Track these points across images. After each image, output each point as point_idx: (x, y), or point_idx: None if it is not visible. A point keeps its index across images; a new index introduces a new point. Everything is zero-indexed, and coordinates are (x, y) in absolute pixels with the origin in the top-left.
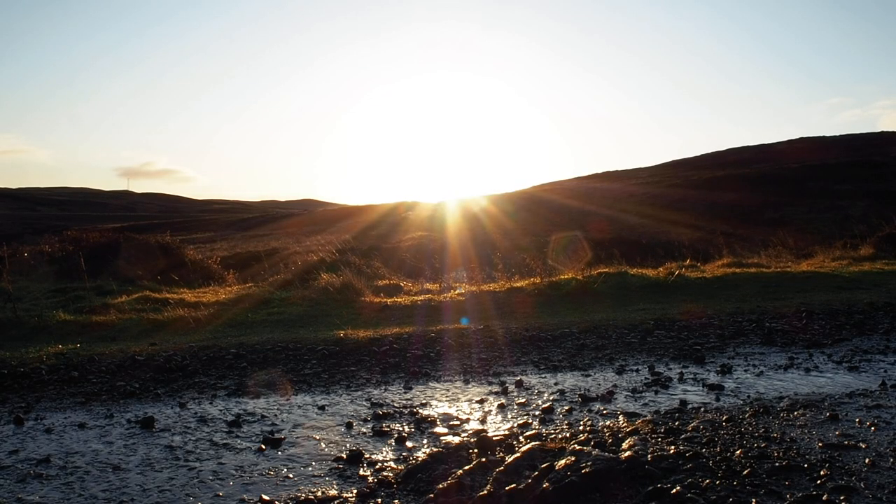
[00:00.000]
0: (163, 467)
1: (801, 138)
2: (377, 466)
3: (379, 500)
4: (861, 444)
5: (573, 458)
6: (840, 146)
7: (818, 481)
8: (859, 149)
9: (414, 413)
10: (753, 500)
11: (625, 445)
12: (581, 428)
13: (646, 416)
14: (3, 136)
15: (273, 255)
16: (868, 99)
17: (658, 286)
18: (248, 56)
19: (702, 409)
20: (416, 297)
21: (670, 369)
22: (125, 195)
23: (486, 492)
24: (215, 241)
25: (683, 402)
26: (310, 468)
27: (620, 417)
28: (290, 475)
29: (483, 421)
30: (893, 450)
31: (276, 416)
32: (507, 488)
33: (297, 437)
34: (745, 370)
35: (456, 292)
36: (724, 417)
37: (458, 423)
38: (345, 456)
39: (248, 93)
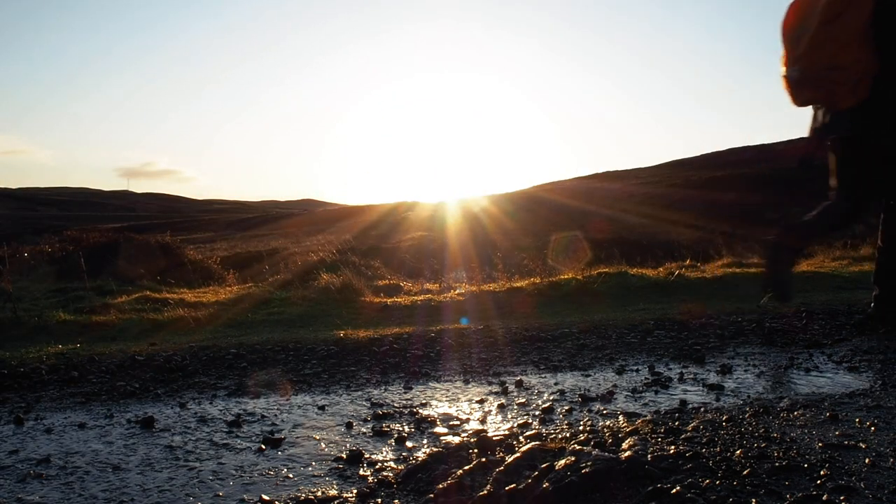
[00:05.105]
0: (163, 467)
1: (802, 138)
2: (377, 466)
3: (379, 500)
4: (861, 444)
5: (573, 458)
6: None
7: (818, 481)
8: None
9: (414, 413)
10: (753, 499)
11: (625, 445)
12: (581, 428)
13: (646, 416)
14: (4, 136)
15: (273, 255)
16: None
17: (658, 286)
18: (248, 55)
19: (702, 409)
20: (416, 297)
21: (670, 369)
22: (125, 195)
23: (486, 492)
24: (215, 241)
25: (683, 402)
26: (310, 468)
27: (620, 417)
28: (290, 475)
29: (483, 421)
30: (893, 450)
31: (276, 416)
32: (507, 488)
33: (297, 437)
34: (745, 370)
35: (456, 292)
36: (724, 417)
37: (458, 423)
38: (345, 456)
39: (248, 92)
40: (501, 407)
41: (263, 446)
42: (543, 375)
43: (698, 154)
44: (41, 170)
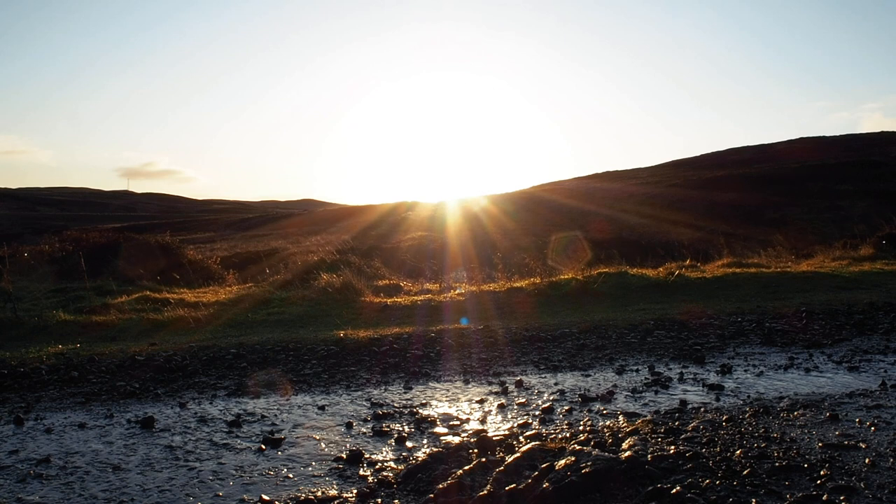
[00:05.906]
0: (163, 467)
1: (801, 138)
2: (377, 466)
3: (379, 500)
4: (861, 444)
5: (573, 458)
6: (840, 146)
7: (818, 481)
8: (859, 149)
9: (414, 413)
10: (753, 500)
11: (625, 445)
12: (581, 428)
13: (646, 416)
14: (4, 137)
15: (273, 255)
16: (854, 102)
17: (658, 286)
18: (248, 56)
19: (702, 409)
20: (416, 297)
21: (670, 369)
22: (125, 195)
23: (486, 492)
24: (215, 241)
25: (683, 402)
26: (310, 468)
27: (620, 417)
28: (290, 475)
29: (483, 421)
30: (893, 450)
31: (276, 416)
32: (507, 488)
33: (297, 437)
34: (745, 370)
35: (456, 292)
36: (724, 417)
37: (458, 423)
38: (345, 456)
39: (248, 92)
40: (501, 407)
41: (263, 446)
42: (543, 375)
43: (698, 154)
44: (41, 170)
